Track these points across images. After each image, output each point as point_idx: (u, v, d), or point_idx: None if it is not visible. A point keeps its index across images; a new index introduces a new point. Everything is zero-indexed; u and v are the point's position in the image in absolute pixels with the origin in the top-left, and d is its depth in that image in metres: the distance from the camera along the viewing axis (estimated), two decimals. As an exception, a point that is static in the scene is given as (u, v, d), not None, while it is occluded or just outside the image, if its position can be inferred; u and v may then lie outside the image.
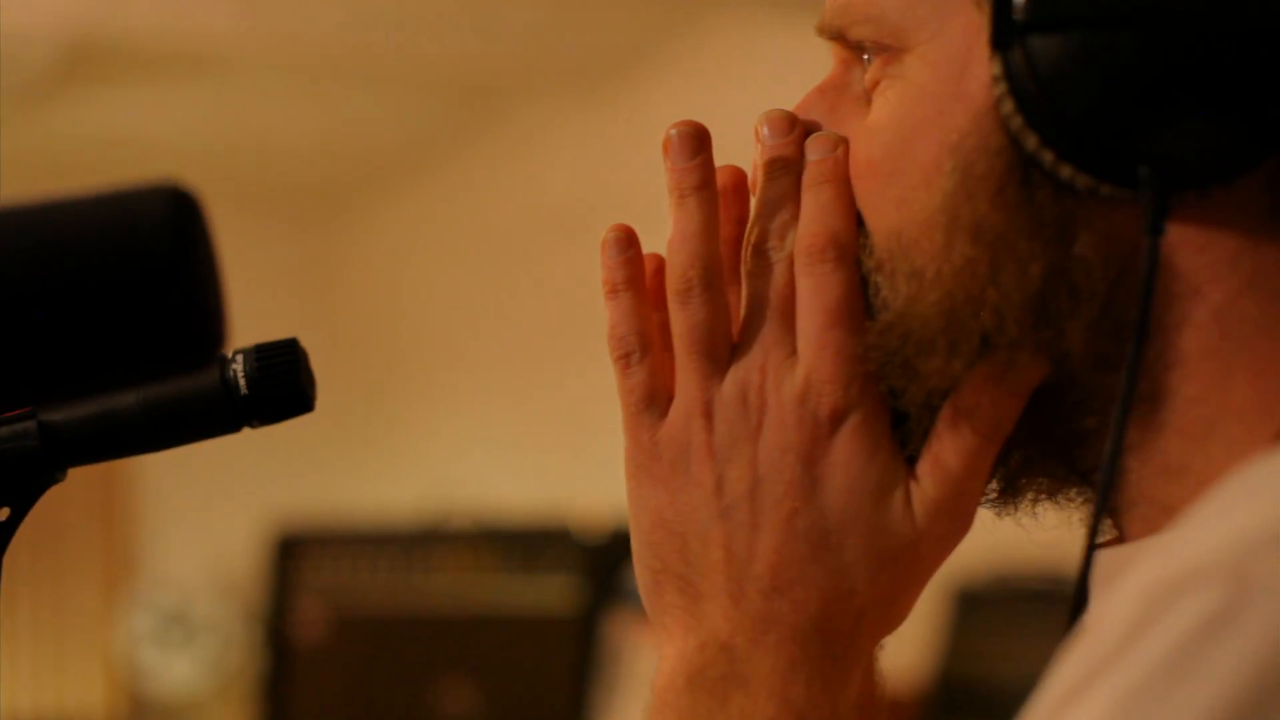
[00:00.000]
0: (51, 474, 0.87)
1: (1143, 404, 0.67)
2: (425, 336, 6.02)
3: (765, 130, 0.76)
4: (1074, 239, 0.67)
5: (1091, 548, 0.65)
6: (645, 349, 0.76)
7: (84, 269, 0.60)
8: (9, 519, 0.87)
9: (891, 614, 0.74)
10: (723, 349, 0.75)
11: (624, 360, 0.76)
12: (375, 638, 3.39)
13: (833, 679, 0.72)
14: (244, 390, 0.85)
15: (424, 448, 5.95)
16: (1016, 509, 0.75)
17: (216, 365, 0.85)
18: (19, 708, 5.75)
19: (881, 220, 0.72)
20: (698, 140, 0.76)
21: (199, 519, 6.04)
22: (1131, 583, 0.54)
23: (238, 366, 0.85)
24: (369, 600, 3.42)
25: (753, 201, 0.77)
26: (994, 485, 0.74)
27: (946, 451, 0.72)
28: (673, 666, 0.74)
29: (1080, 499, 0.72)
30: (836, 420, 0.72)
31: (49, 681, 5.91)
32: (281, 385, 0.85)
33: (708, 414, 0.74)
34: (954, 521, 0.73)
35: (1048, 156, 0.66)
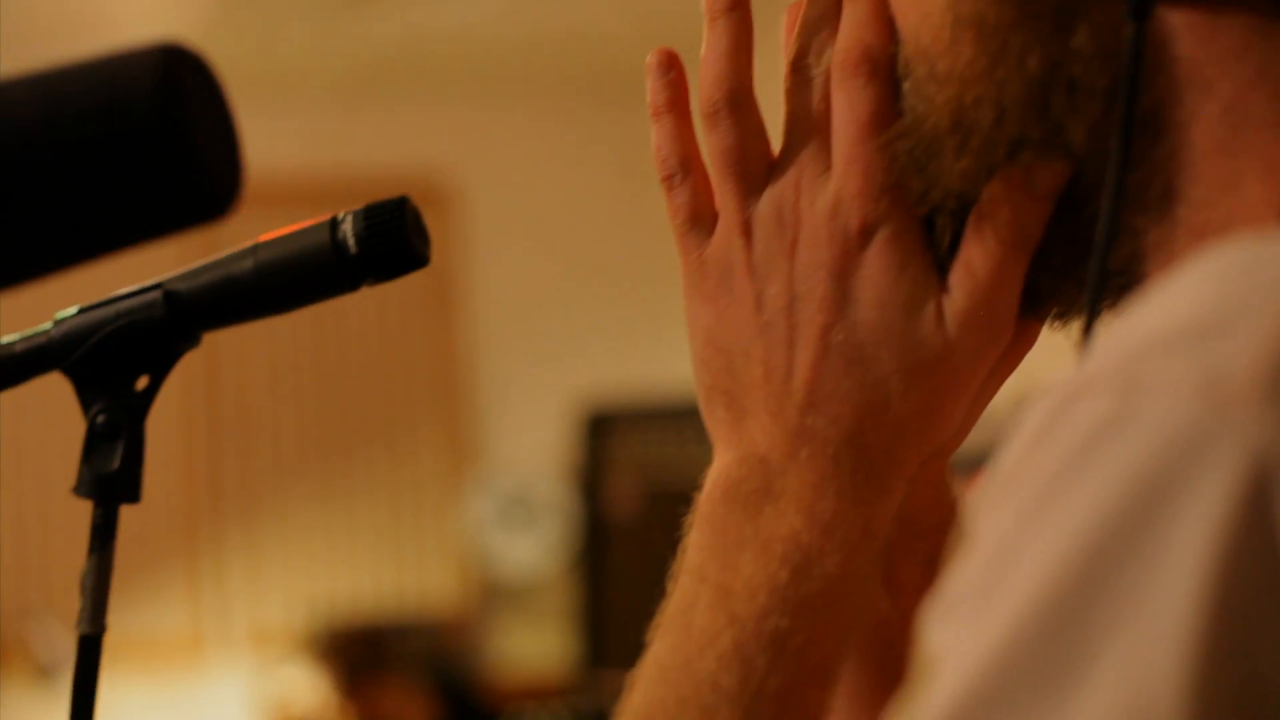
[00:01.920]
0: (184, 341, 0.91)
1: (1157, 204, 0.65)
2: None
3: None
4: (1072, 31, 0.65)
5: (1085, 349, 0.63)
6: (687, 170, 0.77)
7: (73, 132, 0.62)
8: (148, 386, 0.92)
9: (932, 428, 0.74)
10: (757, 168, 0.75)
11: (668, 182, 0.78)
12: (687, 505, 3.45)
13: (866, 494, 0.73)
14: (354, 250, 0.88)
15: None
16: (1042, 322, 0.74)
17: (327, 227, 0.89)
18: (376, 592, 6.02)
19: (907, 27, 0.72)
20: None
21: (530, 403, 6.20)
22: (1042, 391, 0.53)
23: (346, 227, 0.88)
24: (681, 474, 3.47)
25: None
26: (1023, 297, 0.73)
27: (975, 261, 0.71)
28: (714, 480, 0.76)
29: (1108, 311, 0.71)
30: (866, 234, 0.72)
31: (403, 567, 6.17)
32: (389, 242, 0.88)
33: (746, 232, 0.75)
34: (987, 332, 0.72)
35: None
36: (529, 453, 6.11)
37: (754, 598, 0.72)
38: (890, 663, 0.80)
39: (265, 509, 6.04)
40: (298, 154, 5.79)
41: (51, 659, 5.03)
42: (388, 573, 6.12)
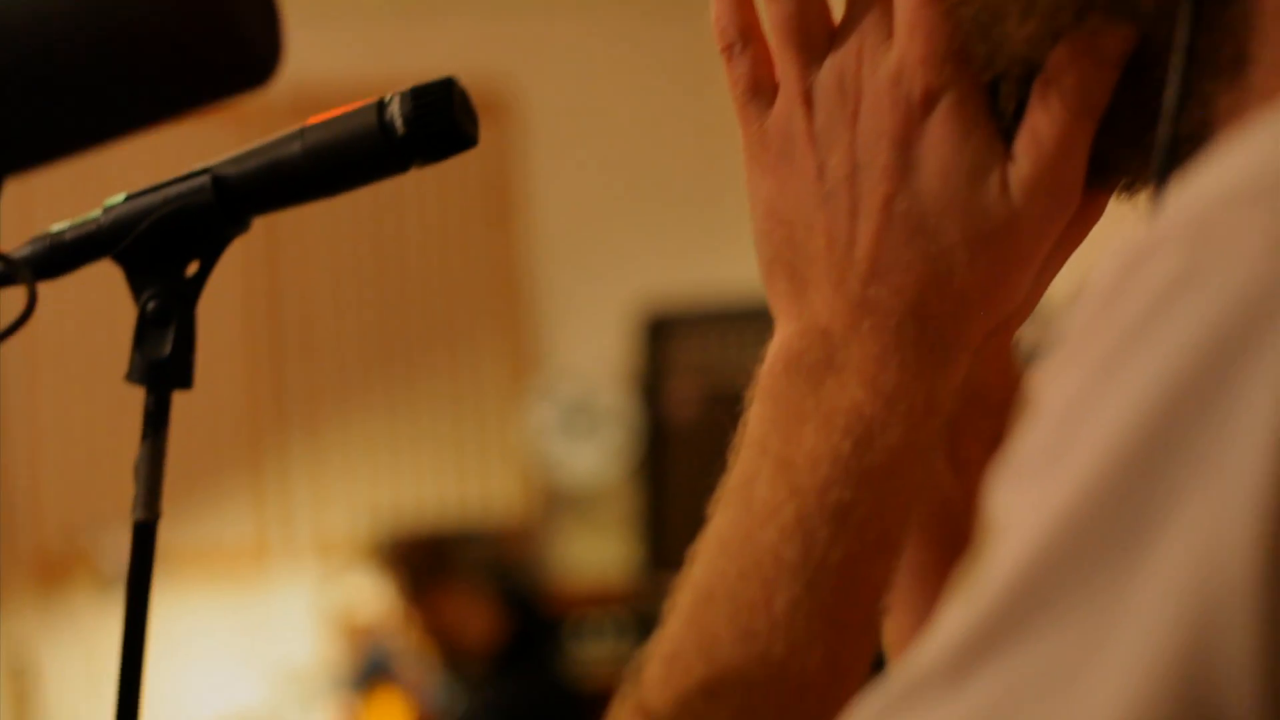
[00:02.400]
0: (233, 225, 0.91)
1: (1228, 68, 0.63)
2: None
3: None
4: None
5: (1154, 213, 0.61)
6: (747, 40, 0.76)
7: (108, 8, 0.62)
8: (199, 271, 0.92)
9: (996, 300, 0.73)
10: (819, 37, 0.74)
11: (727, 52, 0.76)
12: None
13: (930, 365, 0.72)
14: (401, 131, 0.87)
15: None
16: (1109, 192, 0.73)
17: (375, 109, 0.88)
18: (439, 501, 6.06)
19: None
20: None
21: (590, 310, 6.21)
22: (1111, 251, 0.51)
23: (394, 109, 0.87)
24: (741, 377, 3.46)
25: None
26: (1089, 166, 0.71)
27: (1040, 127, 0.70)
28: (775, 353, 0.75)
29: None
30: (930, 101, 0.71)
31: (465, 475, 6.21)
32: (437, 123, 0.87)
33: (808, 102, 0.73)
34: (1053, 201, 0.71)
35: None
36: (589, 359, 6.12)
37: (816, 469, 0.71)
38: (954, 540, 0.80)
39: (328, 419, 6.08)
40: (356, 64, 5.77)
41: (115, 569, 5.09)
42: (450, 481, 6.16)
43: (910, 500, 0.73)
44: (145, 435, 0.93)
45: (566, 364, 6.21)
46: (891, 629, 0.80)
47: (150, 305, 0.91)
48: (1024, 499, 0.50)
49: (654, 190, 6.22)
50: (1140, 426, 0.48)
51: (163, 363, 0.92)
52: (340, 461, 6.08)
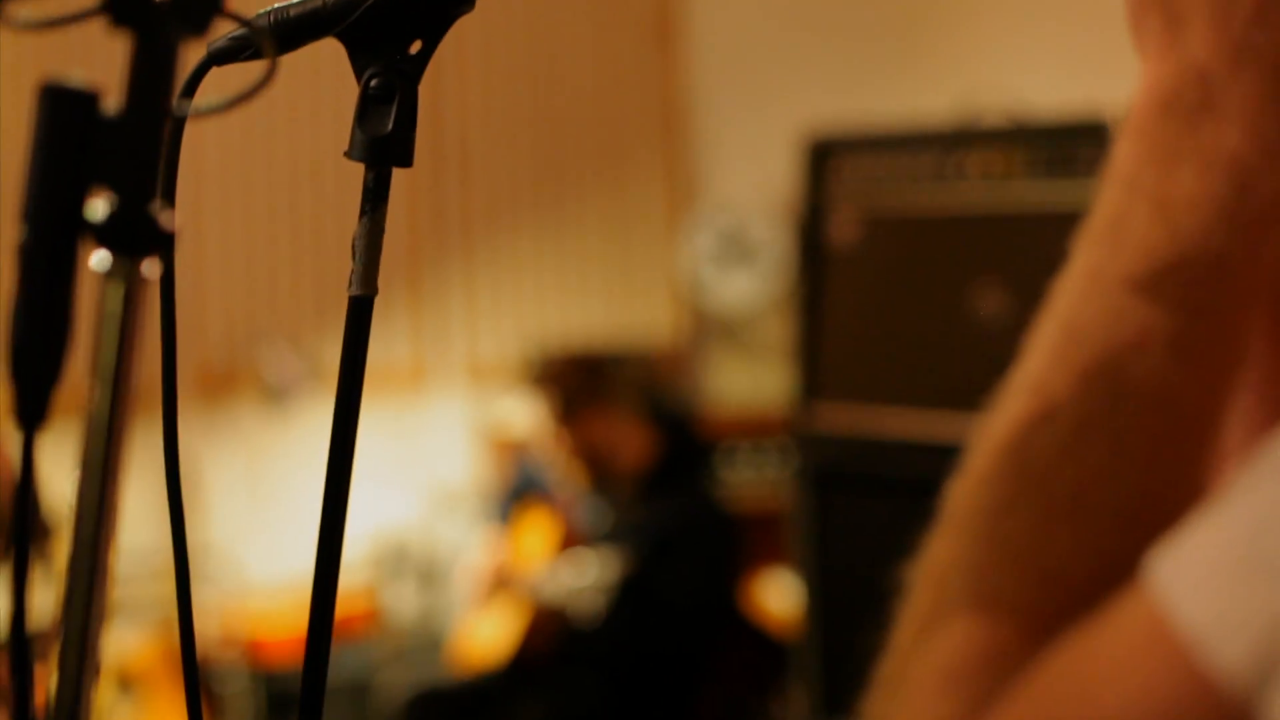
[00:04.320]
0: (457, 3, 0.92)
1: None
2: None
3: None
4: None
5: None
6: None
7: None
8: (422, 50, 0.93)
9: None
10: None
11: None
12: (907, 240, 3.41)
13: None
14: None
15: (956, 48, 5.88)
16: None
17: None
18: (593, 326, 6.10)
19: None
20: None
21: (747, 140, 6.17)
22: None
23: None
24: (901, 202, 3.43)
25: None
26: None
27: None
28: (1147, 92, 0.73)
29: None
30: None
31: (620, 301, 6.23)
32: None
33: None
34: None
35: None
36: (747, 186, 6.10)
37: (1194, 211, 0.70)
38: None
39: (484, 242, 6.12)
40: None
41: (281, 383, 5.19)
42: (603, 306, 6.19)
43: (1277, 261, 0.71)
44: (364, 212, 0.95)
45: (724, 190, 6.20)
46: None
47: (373, 83, 0.93)
48: None
49: (817, 16, 6.15)
50: None
51: (384, 139, 0.93)
52: (495, 284, 6.13)
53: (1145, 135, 0.72)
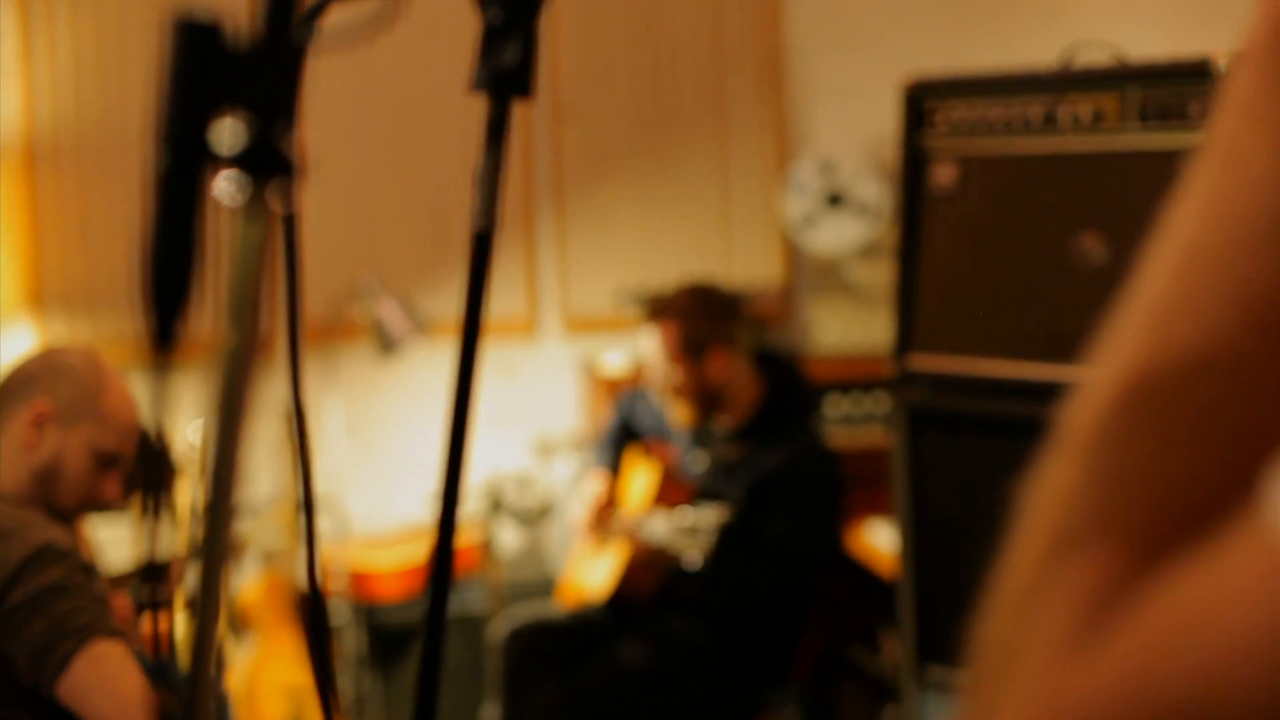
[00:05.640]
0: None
1: None
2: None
3: None
4: None
5: None
6: None
7: None
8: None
9: None
10: None
11: None
12: (1007, 185, 3.40)
13: None
14: None
15: None
16: None
17: None
18: (700, 272, 6.10)
19: None
20: None
21: (848, 86, 6.15)
22: None
23: None
24: (1002, 148, 3.42)
25: None
26: None
27: None
28: (1266, 21, 0.72)
29: None
30: None
31: (721, 248, 6.23)
32: None
33: None
34: None
35: None
36: (848, 132, 6.08)
37: None
38: None
39: (594, 191, 6.14)
40: None
41: (392, 335, 5.23)
42: (711, 256, 6.19)
43: None
44: (487, 146, 0.96)
45: (825, 136, 6.18)
46: None
47: (496, 16, 0.93)
48: None
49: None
50: None
51: (506, 72, 0.94)
52: (596, 232, 6.15)
53: (1264, 65, 0.70)
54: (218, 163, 0.78)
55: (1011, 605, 0.69)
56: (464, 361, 0.96)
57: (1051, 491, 0.71)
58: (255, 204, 0.78)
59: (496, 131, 0.93)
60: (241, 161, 0.75)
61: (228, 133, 0.75)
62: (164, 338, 0.82)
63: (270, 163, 0.75)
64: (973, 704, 0.69)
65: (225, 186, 0.78)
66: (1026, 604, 0.68)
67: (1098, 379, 0.71)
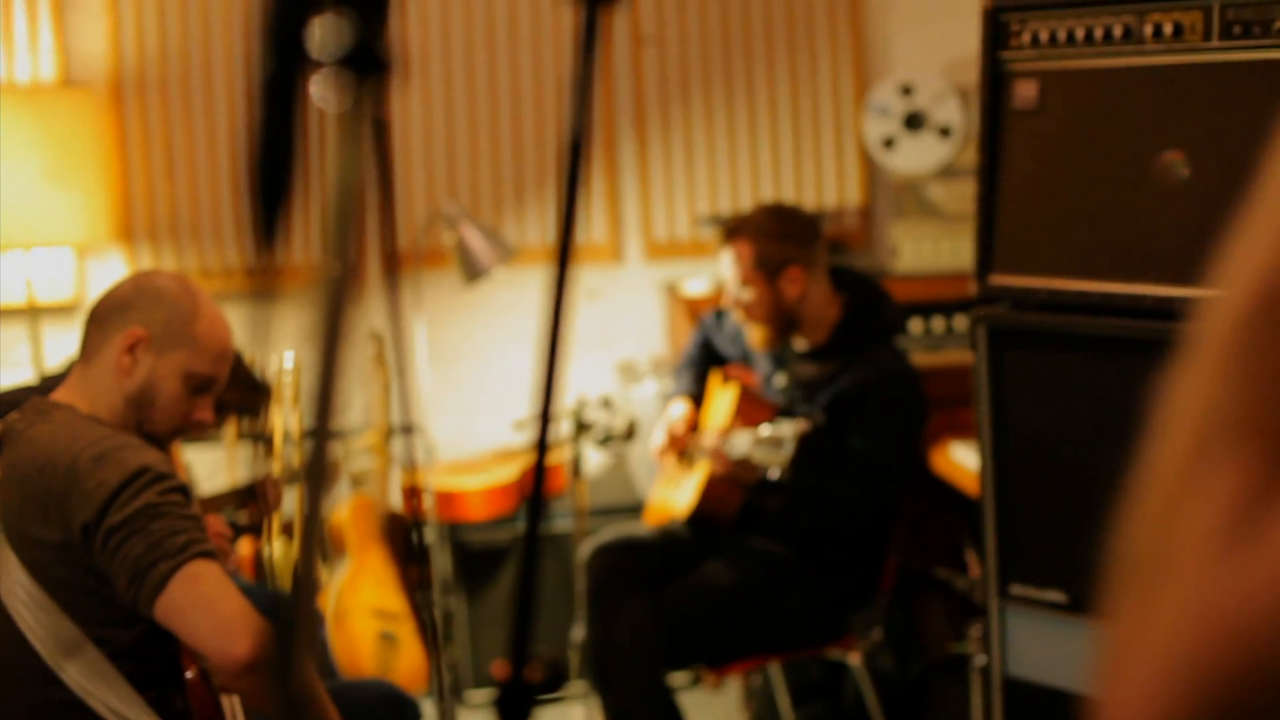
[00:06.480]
0: None
1: None
2: None
3: None
4: None
5: None
6: None
7: None
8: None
9: None
10: None
11: None
12: (1090, 103, 3.38)
13: None
14: None
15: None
16: None
17: None
18: (781, 195, 6.10)
19: None
20: None
21: (926, 10, 6.12)
22: None
23: None
24: (1084, 65, 3.39)
25: None
26: None
27: None
28: None
29: None
30: None
31: (803, 173, 6.23)
32: None
33: None
34: None
35: None
36: (929, 52, 6.05)
37: None
38: None
39: (674, 119, 6.14)
40: None
41: (477, 262, 5.26)
42: (791, 180, 6.19)
43: None
44: (579, 54, 0.98)
45: (906, 57, 6.15)
46: None
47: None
48: None
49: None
50: None
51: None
52: (683, 159, 6.16)
53: None
54: (318, 66, 0.80)
55: (1154, 515, 0.70)
56: (560, 271, 0.99)
57: (1190, 400, 0.72)
58: (356, 107, 0.80)
59: (588, 40, 0.96)
60: (343, 56, 0.77)
61: (328, 31, 0.77)
62: (268, 238, 0.85)
63: (371, 62, 0.77)
64: (1119, 617, 0.70)
65: (325, 88, 0.80)
66: (1171, 512, 0.69)
67: (1232, 285, 0.72)
